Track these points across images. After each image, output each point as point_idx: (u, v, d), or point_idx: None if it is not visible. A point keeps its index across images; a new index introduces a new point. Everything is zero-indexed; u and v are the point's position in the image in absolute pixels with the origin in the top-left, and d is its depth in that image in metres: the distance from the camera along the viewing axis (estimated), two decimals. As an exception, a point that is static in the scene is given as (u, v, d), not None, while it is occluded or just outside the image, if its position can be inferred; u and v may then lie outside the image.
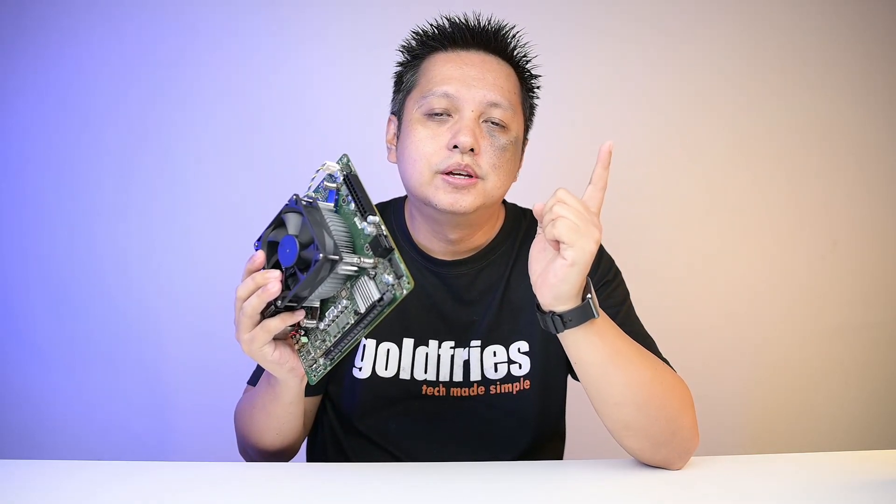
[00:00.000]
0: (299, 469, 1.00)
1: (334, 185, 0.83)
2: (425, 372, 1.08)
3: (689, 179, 1.92)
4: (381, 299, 0.78)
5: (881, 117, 1.94)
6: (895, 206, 1.95)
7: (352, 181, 0.81)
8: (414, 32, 1.08)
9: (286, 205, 0.81)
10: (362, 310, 0.80)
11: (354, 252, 0.80)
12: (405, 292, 0.77)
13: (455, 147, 0.98)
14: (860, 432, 1.96)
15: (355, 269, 0.79)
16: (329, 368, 0.85)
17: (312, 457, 1.18)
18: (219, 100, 1.86)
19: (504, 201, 1.18)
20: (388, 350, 1.09)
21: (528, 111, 1.11)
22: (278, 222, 0.83)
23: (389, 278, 0.77)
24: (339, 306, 0.82)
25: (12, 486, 0.90)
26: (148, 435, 1.90)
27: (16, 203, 1.88)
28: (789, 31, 1.90)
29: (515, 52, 1.08)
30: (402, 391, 1.09)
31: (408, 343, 1.09)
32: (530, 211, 1.18)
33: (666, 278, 1.91)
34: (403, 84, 1.08)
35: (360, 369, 1.09)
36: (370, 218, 0.79)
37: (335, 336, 0.84)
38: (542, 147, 1.87)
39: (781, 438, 1.96)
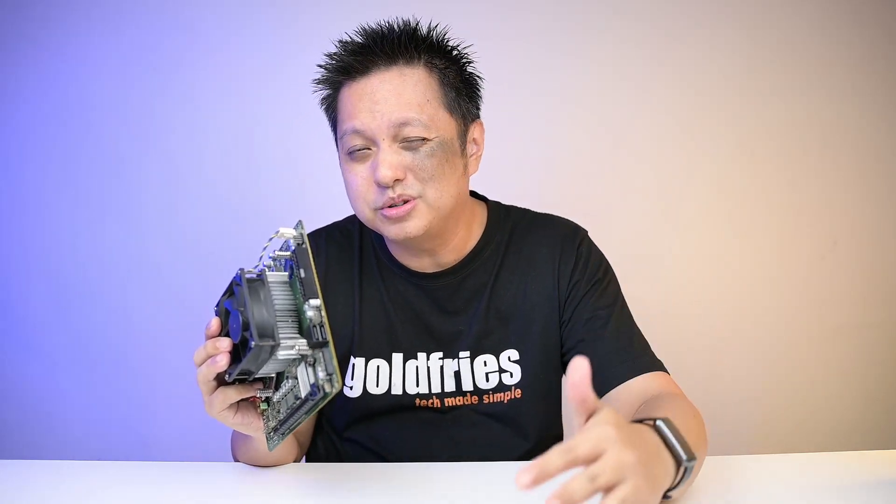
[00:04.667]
0: (298, 469, 1.00)
1: (287, 254, 0.78)
2: (417, 385, 1.07)
3: (689, 179, 1.92)
4: (312, 393, 0.75)
5: (881, 117, 1.93)
6: (895, 206, 1.95)
7: (298, 256, 0.76)
8: (319, 66, 1.04)
9: (234, 277, 0.77)
10: (302, 395, 0.77)
11: (300, 332, 0.76)
12: (334, 391, 0.73)
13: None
14: (860, 432, 1.95)
15: (295, 353, 0.75)
16: (281, 441, 0.83)
17: (310, 457, 1.18)
18: (219, 99, 1.86)
19: (485, 199, 1.15)
20: (378, 367, 1.07)
21: (467, 95, 1.03)
22: (231, 291, 0.80)
23: (321, 374, 0.73)
24: (288, 384, 0.79)
25: (12, 486, 0.90)
26: (147, 435, 1.90)
27: (16, 203, 1.88)
28: (789, 31, 1.90)
29: (424, 44, 1.00)
30: (395, 406, 1.08)
31: (397, 358, 1.08)
32: (515, 209, 1.15)
33: (665, 278, 1.90)
34: (330, 120, 1.07)
35: (352, 388, 1.08)
36: (311, 301, 0.74)
37: (284, 413, 0.81)
38: (543, 146, 1.88)
39: (781, 438, 1.96)
